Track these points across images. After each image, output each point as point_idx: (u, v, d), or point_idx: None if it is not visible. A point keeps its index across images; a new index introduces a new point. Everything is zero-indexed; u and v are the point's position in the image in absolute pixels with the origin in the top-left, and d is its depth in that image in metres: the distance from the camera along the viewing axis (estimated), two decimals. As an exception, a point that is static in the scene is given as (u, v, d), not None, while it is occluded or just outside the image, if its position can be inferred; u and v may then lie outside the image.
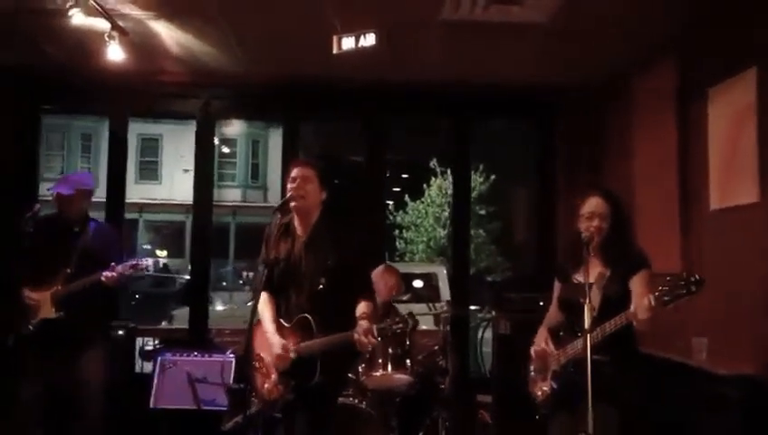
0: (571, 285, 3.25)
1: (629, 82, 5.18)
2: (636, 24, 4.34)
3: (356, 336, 3.15)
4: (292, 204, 3.37)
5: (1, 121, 5.74)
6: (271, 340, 3.34)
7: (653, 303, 2.73)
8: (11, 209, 5.06)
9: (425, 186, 22.26)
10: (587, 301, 2.83)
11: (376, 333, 3.16)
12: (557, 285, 3.42)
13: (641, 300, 2.77)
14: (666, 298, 2.70)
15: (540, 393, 3.28)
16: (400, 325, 3.20)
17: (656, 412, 3.86)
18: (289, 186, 3.38)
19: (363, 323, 3.17)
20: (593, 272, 3.06)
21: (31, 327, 4.21)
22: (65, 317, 4.22)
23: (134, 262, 4.32)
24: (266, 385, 3.37)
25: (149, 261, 4.88)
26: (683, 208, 4.44)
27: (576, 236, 3.18)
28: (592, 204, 3.17)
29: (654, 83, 4.85)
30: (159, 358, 5.14)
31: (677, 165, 4.51)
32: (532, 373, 3.34)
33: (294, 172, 3.39)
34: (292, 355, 3.26)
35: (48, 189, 4.35)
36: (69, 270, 4.25)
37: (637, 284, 3.02)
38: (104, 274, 4.18)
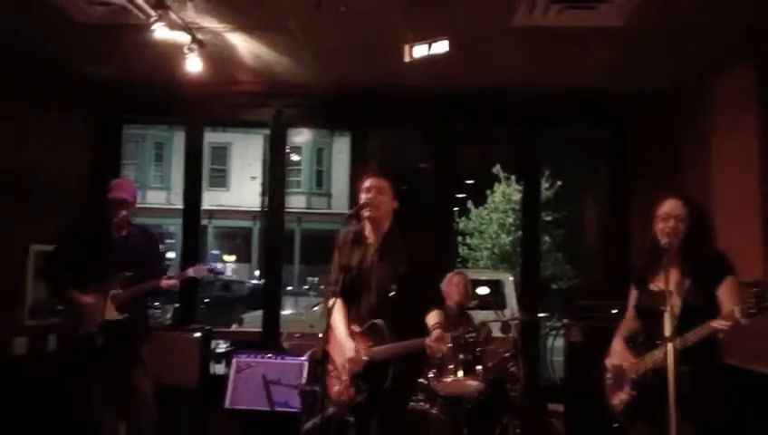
0: (648, 291, 3.17)
1: (706, 83, 5.04)
2: (711, 24, 4.23)
3: (428, 342, 3.20)
4: (366, 214, 3.43)
5: (86, 132, 6.03)
6: (343, 343, 3.40)
7: (738, 315, 2.65)
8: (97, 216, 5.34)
9: (488, 192, 22.08)
10: (667, 308, 2.77)
11: (449, 341, 3.20)
12: (633, 292, 3.34)
13: (729, 310, 2.70)
14: (752, 311, 2.61)
15: (618, 402, 3.21)
16: (473, 335, 3.23)
17: (741, 430, 3.71)
18: (363, 196, 3.44)
19: (436, 332, 3.22)
20: (672, 278, 2.98)
21: (95, 329, 4.32)
22: (127, 319, 4.36)
23: (209, 266, 4.58)
24: (337, 387, 3.43)
25: (218, 266, 5.08)
26: (765, 212, 4.29)
27: (653, 241, 3.11)
28: (669, 205, 3.09)
29: (732, 84, 4.71)
30: (235, 360, 5.27)
31: (759, 167, 4.36)
32: (610, 381, 3.28)
33: (368, 182, 3.45)
34: (364, 358, 3.32)
35: (110, 196, 4.45)
36: (128, 273, 4.39)
37: (724, 292, 2.92)
38: (164, 281, 4.37)
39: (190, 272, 4.54)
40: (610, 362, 3.25)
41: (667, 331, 2.73)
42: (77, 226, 4.72)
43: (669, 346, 2.69)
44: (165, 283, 4.38)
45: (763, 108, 4.36)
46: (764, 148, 4.33)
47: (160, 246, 4.90)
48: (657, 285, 3.08)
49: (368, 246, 3.51)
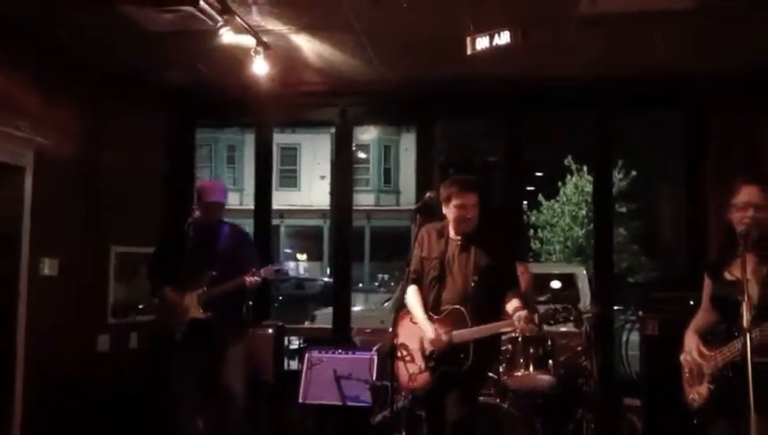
0: (724, 281, 3.04)
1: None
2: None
3: (517, 323, 3.35)
4: (464, 229, 3.63)
5: (162, 136, 6.26)
6: (423, 325, 3.58)
7: None
8: (172, 217, 5.56)
9: (560, 184, 21.69)
10: (744, 298, 2.65)
11: (537, 320, 3.34)
12: (707, 283, 3.21)
13: None
14: None
15: (696, 398, 3.09)
16: (564, 314, 3.27)
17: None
18: (459, 213, 3.60)
19: (523, 313, 3.36)
20: (749, 267, 2.83)
21: (183, 327, 4.50)
22: (211, 317, 4.48)
23: (277, 267, 4.64)
24: (411, 372, 3.50)
25: (290, 265, 5.18)
26: None
27: (729, 230, 2.98)
28: (747, 193, 2.94)
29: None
30: (307, 355, 5.36)
31: None
32: (688, 377, 3.17)
33: (464, 200, 3.60)
34: (445, 338, 3.45)
35: (211, 200, 4.60)
36: (214, 272, 4.51)
37: None
38: (247, 278, 4.42)
39: (261, 272, 4.58)
40: (684, 356, 3.15)
41: (745, 321, 2.61)
42: (169, 228, 4.90)
43: (747, 337, 2.58)
44: (249, 280, 4.43)
45: None
46: None
47: (252, 245, 4.96)
48: (733, 274, 2.95)
49: (450, 240, 3.71)
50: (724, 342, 2.92)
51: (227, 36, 4.47)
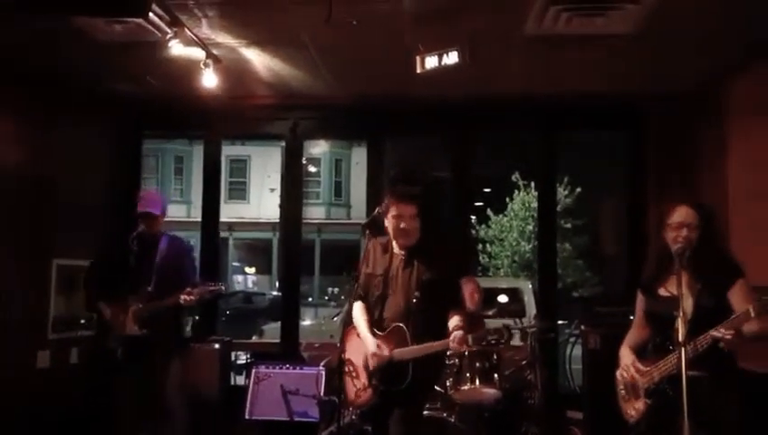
0: (659, 298, 3.15)
1: (721, 87, 5.03)
2: (723, 30, 4.22)
3: (451, 344, 3.33)
4: (402, 242, 3.57)
5: (107, 147, 6.14)
6: (366, 340, 3.54)
7: (753, 314, 2.64)
8: (115, 230, 5.45)
9: (507, 200, 22.02)
10: (680, 313, 2.76)
11: (471, 342, 3.32)
12: (641, 299, 3.33)
13: (738, 313, 2.69)
14: None
15: (633, 413, 3.18)
16: (495, 337, 3.28)
17: (757, 432, 3.69)
18: (395, 223, 3.54)
19: (458, 333, 3.34)
20: (684, 283, 2.94)
21: (115, 344, 4.42)
22: (149, 334, 4.40)
23: (211, 287, 4.46)
24: (355, 388, 3.50)
25: (238, 278, 5.12)
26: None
27: (663, 248, 3.10)
28: (682, 213, 3.07)
29: (747, 88, 4.69)
30: (254, 370, 5.31)
31: (776, 172, 4.34)
32: (623, 393, 3.26)
33: (400, 210, 3.54)
34: (386, 356, 3.42)
35: (140, 211, 4.52)
36: (149, 288, 4.44)
37: (736, 294, 2.93)
38: (182, 296, 4.33)
39: (195, 292, 4.39)
40: (620, 372, 3.24)
41: (681, 336, 2.71)
42: (110, 240, 4.80)
43: (682, 352, 2.68)
44: (183, 298, 4.34)
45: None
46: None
47: (192, 259, 4.85)
48: (667, 290, 3.07)
49: (394, 256, 3.66)
50: (659, 356, 3.03)
51: (177, 48, 4.42)
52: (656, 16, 4.02)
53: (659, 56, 4.72)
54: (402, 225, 3.53)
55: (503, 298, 10.78)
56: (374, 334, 3.55)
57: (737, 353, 2.97)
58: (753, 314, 2.65)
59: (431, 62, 4.23)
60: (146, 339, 4.40)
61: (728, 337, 2.72)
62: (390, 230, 3.59)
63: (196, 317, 6.51)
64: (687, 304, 2.91)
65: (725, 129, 4.99)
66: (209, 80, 4.76)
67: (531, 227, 21.15)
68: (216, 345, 5.51)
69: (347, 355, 3.63)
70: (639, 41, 4.38)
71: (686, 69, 4.97)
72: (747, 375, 3.24)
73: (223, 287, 4.56)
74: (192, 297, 4.34)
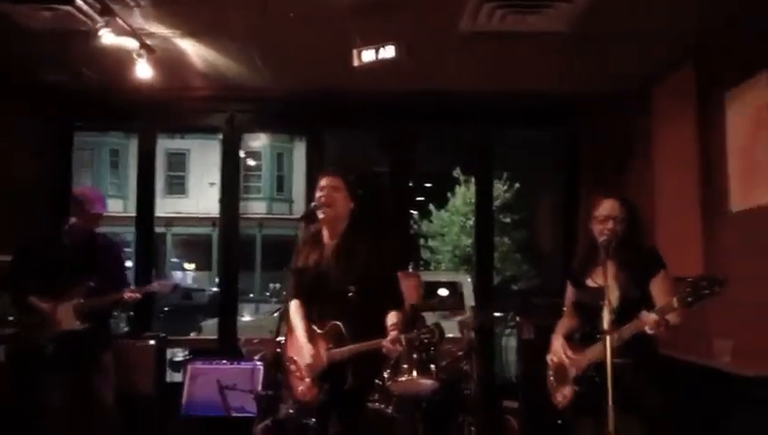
0: (587, 288, 3.27)
1: (650, 88, 5.20)
2: (653, 31, 4.36)
3: (384, 344, 3.27)
4: (321, 214, 3.46)
5: (37, 139, 5.92)
6: (302, 344, 3.45)
7: (676, 304, 2.76)
8: (45, 224, 5.28)
9: (449, 195, 22.29)
10: (606, 302, 2.86)
11: (404, 343, 3.26)
12: (570, 290, 3.44)
13: (663, 303, 2.81)
14: (689, 299, 2.72)
15: (561, 399, 3.29)
16: (427, 335, 3.29)
17: (679, 415, 3.86)
18: (317, 195, 3.47)
19: (392, 334, 3.29)
20: (609, 274, 3.07)
21: (55, 338, 4.33)
22: (85, 330, 4.36)
23: (175, 282, 4.80)
24: (300, 387, 3.47)
25: (178, 275, 5.11)
26: (704, 211, 4.46)
27: (591, 240, 3.22)
28: (607, 207, 3.19)
29: (674, 88, 4.87)
30: (190, 366, 5.25)
31: (698, 168, 4.52)
32: (552, 380, 3.37)
33: (323, 182, 3.48)
34: (323, 356, 3.36)
35: (92, 211, 4.53)
36: (92, 283, 4.40)
37: (657, 285, 3.06)
38: (126, 293, 4.39)
39: (155, 287, 4.62)
40: (551, 357, 3.35)
41: (606, 325, 2.81)
42: (38, 235, 4.68)
43: (607, 339, 2.78)
44: (128, 295, 4.41)
45: (700, 111, 4.52)
46: (702, 149, 4.49)
47: (124, 256, 4.90)
48: (594, 281, 3.19)
49: (325, 247, 3.54)
50: (587, 345, 3.14)
51: (109, 38, 4.31)
52: (589, 15, 4.11)
53: (592, 55, 4.83)
54: (322, 195, 3.44)
55: (443, 291, 10.95)
56: (312, 333, 3.47)
57: (659, 341, 3.10)
58: (675, 305, 2.77)
59: (368, 55, 4.25)
60: (83, 334, 4.35)
61: (656, 324, 2.82)
62: (315, 204, 3.48)
63: (131, 313, 6.38)
64: (613, 294, 3.03)
65: (654, 127, 5.17)
66: (143, 71, 4.66)
67: (471, 222, 21.46)
68: (152, 342, 5.41)
69: (290, 353, 3.55)
70: (573, 39, 4.48)
71: (618, 68, 5.10)
72: (668, 362, 3.39)
73: (177, 285, 4.61)
74: (137, 295, 4.44)
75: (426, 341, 3.30)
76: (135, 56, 4.57)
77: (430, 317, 5.03)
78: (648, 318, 2.83)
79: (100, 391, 4.42)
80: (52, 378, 4.35)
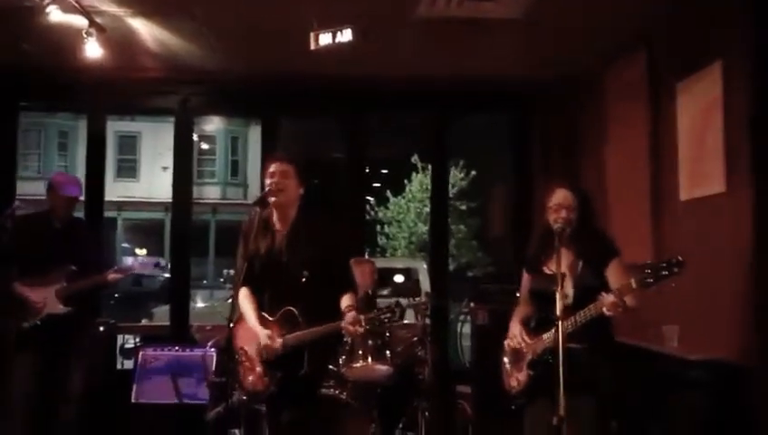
0: (541, 275, 3.31)
1: (602, 76, 5.27)
2: (607, 19, 4.42)
3: (344, 325, 3.26)
4: (272, 199, 3.42)
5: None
6: (256, 331, 3.40)
7: (635, 285, 2.81)
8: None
9: (406, 181, 22.33)
10: (559, 289, 2.90)
11: (364, 323, 3.25)
12: (526, 277, 3.48)
13: (622, 284, 2.87)
14: (648, 280, 2.78)
15: (515, 383, 3.32)
16: (388, 315, 3.28)
17: (630, 398, 3.95)
18: (267, 181, 3.43)
19: (351, 314, 3.28)
20: (564, 261, 3.11)
21: (38, 322, 4.34)
22: (68, 313, 4.39)
23: (156, 261, 5.07)
24: (251, 377, 3.42)
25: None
26: (654, 199, 4.54)
27: (545, 228, 3.26)
28: (560, 196, 3.22)
29: (625, 77, 4.94)
30: (141, 353, 5.16)
31: (648, 157, 4.60)
32: (507, 365, 3.40)
33: (273, 167, 3.43)
34: (278, 343, 3.32)
35: (65, 194, 4.50)
36: (74, 267, 4.42)
37: (613, 271, 3.11)
38: (110, 275, 4.47)
39: (136, 266, 4.57)
40: (508, 342, 3.38)
41: (558, 311, 2.85)
42: (19, 220, 4.56)
43: (560, 325, 2.82)
44: (111, 277, 4.49)
45: (652, 98, 4.59)
46: (654, 137, 4.57)
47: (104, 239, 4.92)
48: (549, 268, 3.22)
49: (276, 233, 3.50)
50: (543, 330, 3.18)
51: (57, 15, 4.19)
52: (543, 2, 4.16)
53: (546, 42, 4.89)
54: (272, 181, 3.39)
55: (398, 278, 11.02)
56: (264, 320, 3.42)
57: (614, 327, 3.16)
58: (634, 286, 2.82)
59: (325, 39, 4.21)
60: (66, 318, 4.38)
61: (613, 305, 2.87)
62: (266, 191, 3.43)
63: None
64: (568, 281, 3.07)
65: (605, 115, 5.25)
66: (93, 50, 4.55)
67: (428, 209, 21.58)
68: (101, 328, 5.31)
69: (240, 343, 3.48)
70: (527, 26, 4.52)
71: (571, 55, 5.18)
72: (621, 347, 3.47)
73: (158, 263, 4.67)
74: (120, 275, 4.56)
75: (386, 320, 3.30)
76: (84, 35, 4.45)
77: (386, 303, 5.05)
78: (607, 299, 2.88)
79: (75, 375, 4.47)
80: (24, 360, 4.34)
